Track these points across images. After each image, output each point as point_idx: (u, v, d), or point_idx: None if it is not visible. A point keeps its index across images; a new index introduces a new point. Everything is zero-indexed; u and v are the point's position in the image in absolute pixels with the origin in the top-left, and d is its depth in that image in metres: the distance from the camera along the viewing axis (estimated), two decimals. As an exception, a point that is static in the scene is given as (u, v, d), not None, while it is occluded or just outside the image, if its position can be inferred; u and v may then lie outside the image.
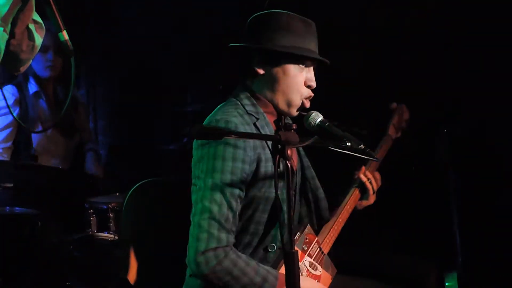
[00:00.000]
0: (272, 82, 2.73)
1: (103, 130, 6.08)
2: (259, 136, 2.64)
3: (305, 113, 2.84)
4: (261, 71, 2.73)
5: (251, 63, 2.75)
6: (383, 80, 3.53)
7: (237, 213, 2.55)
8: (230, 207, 2.50)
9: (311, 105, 2.84)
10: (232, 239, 2.50)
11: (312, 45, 2.77)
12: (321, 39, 2.81)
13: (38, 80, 4.71)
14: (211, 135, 2.15)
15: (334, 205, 3.07)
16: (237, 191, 2.53)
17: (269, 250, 2.70)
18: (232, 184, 2.51)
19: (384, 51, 4.66)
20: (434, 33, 4.49)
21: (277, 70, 2.72)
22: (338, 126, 2.85)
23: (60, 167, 4.83)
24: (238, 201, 2.55)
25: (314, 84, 2.79)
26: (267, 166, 2.64)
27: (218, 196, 2.48)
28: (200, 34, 5.39)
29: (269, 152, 2.65)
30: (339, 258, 3.02)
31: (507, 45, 4.22)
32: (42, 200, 4.53)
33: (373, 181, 3.14)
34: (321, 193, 3.03)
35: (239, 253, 2.51)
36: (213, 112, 2.75)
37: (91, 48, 5.98)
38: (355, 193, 3.11)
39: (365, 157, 2.97)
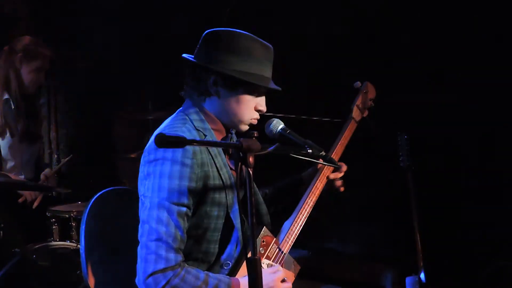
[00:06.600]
0: (224, 104, 2.69)
1: (65, 139, 6.05)
2: (220, 144, 2.64)
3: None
4: (216, 93, 2.68)
5: (205, 80, 2.68)
6: (345, 87, 3.54)
7: (185, 230, 2.52)
8: (177, 226, 2.47)
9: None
10: (180, 257, 2.47)
11: (267, 71, 2.73)
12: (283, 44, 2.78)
13: (8, 89, 4.65)
14: (173, 143, 2.14)
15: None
16: (184, 209, 2.50)
17: (224, 267, 2.68)
18: (178, 203, 2.48)
19: (345, 58, 4.71)
20: (394, 40, 4.54)
21: (232, 95, 2.67)
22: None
23: (23, 176, 4.80)
24: (185, 219, 2.52)
25: (264, 109, 2.76)
26: (216, 183, 2.62)
27: (164, 215, 2.45)
28: (161, 41, 5.39)
29: (216, 169, 2.63)
30: (302, 263, 3.03)
31: (466, 51, 4.29)
32: (4, 209, 4.50)
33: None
34: (263, 208, 2.95)
35: (189, 268, 2.49)
36: (161, 126, 2.72)
37: (53, 56, 5.95)
38: (315, 192, 3.05)
39: (326, 163, 3.00)
